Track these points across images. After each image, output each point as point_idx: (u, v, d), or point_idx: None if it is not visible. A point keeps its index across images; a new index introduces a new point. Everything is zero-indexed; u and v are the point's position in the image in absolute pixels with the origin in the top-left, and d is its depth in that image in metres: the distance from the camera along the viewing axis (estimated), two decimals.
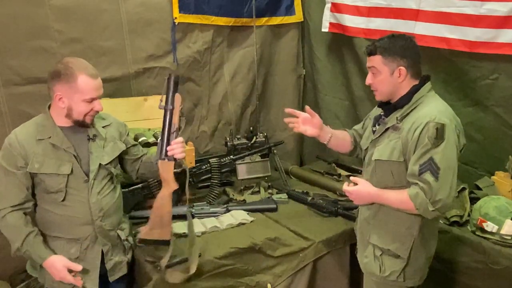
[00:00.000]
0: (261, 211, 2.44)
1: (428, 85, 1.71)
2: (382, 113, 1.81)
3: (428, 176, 1.56)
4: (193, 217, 2.25)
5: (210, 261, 1.94)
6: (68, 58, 1.74)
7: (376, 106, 1.91)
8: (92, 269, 1.81)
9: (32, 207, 1.76)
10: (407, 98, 1.70)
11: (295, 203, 2.58)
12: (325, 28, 3.04)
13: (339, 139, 2.03)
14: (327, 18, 3.01)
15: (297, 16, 3.26)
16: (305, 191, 2.66)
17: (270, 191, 2.73)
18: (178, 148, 1.79)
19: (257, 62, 3.15)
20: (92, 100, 1.71)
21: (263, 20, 3.13)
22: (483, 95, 2.30)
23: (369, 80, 1.76)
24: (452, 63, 2.37)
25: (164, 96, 1.78)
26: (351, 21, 2.84)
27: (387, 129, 1.74)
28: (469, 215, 2.10)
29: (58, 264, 1.71)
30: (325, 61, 3.23)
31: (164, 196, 1.83)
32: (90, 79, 1.69)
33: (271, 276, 2.11)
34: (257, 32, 3.09)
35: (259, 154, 2.79)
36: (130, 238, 1.99)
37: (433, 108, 1.64)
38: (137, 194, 2.39)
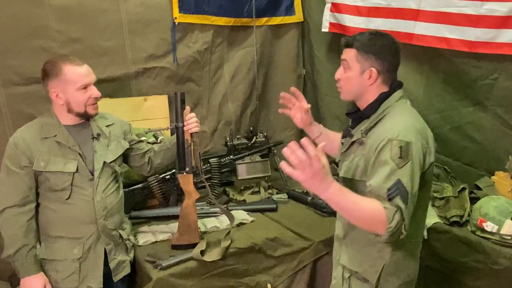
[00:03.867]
0: (261, 211, 2.44)
1: (398, 93, 1.52)
2: (350, 124, 1.63)
3: (399, 202, 1.32)
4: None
5: (210, 261, 1.94)
6: (52, 56, 1.78)
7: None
8: (96, 268, 1.81)
9: (34, 209, 1.76)
10: (374, 107, 1.51)
11: (295, 203, 2.59)
12: (325, 28, 3.04)
13: (328, 138, 1.85)
14: (327, 18, 3.01)
15: (297, 16, 3.26)
16: (305, 191, 2.65)
17: (270, 191, 2.73)
18: (193, 123, 1.94)
19: (257, 62, 3.15)
20: (86, 87, 1.74)
21: (263, 20, 3.13)
22: (483, 95, 2.30)
23: (337, 74, 1.57)
24: (452, 63, 2.37)
25: (173, 115, 1.85)
26: (351, 21, 2.84)
27: (353, 143, 1.55)
28: (469, 215, 2.10)
29: (37, 285, 1.73)
30: (325, 61, 3.22)
31: (188, 206, 1.98)
32: (76, 67, 1.72)
33: (271, 276, 2.11)
34: (257, 32, 3.09)
35: (259, 154, 2.79)
36: (132, 238, 2.01)
37: (398, 122, 1.43)
38: (137, 194, 2.40)
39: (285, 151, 1.24)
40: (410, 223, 1.38)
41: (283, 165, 1.26)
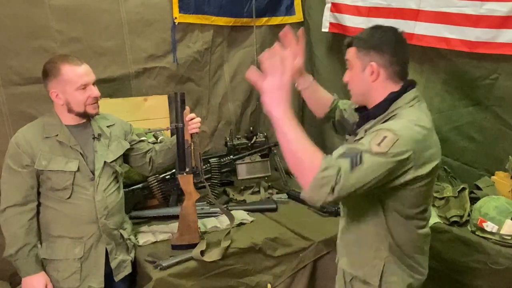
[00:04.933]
0: (261, 211, 2.44)
1: (410, 93, 1.39)
2: (356, 122, 1.55)
3: (345, 162, 1.17)
4: None
5: (210, 261, 1.94)
6: (53, 56, 1.79)
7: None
8: (97, 268, 1.81)
9: (36, 208, 1.76)
10: (382, 107, 1.39)
11: (295, 203, 2.59)
12: (325, 28, 3.04)
13: (317, 93, 1.71)
14: (327, 18, 3.01)
15: (297, 16, 3.26)
16: None
17: (270, 191, 2.73)
18: (196, 123, 1.96)
19: (257, 62, 3.15)
20: (84, 86, 1.74)
21: (263, 20, 3.14)
22: (483, 95, 2.30)
23: (345, 77, 1.51)
24: (452, 63, 2.37)
25: (173, 116, 1.85)
26: (351, 21, 2.84)
27: (356, 141, 1.42)
28: (469, 215, 2.10)
29: (39, 284, 1.73)
30: (325, 61, 3.22)
31: (188, 206, 1.98)
32: (74, 67, 1.73)
33: (271, 276, 2.10)
34: (257, 32, 3.09)
35: (259, 154, 2.79)
36: (133, 237, 2.01)
37: (398, 122, 1.31)
38: (137, 194, 2.40)
39: (265, 53, 1.17)
40: (404, 221, 1.36)
41: (250, 70, 1.18)
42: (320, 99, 1.74)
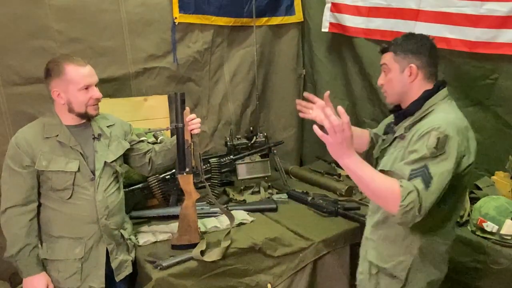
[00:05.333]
0: (261, 211, 2.44)
1: (443, 91, 1.57)
2: (392, 121, 1.69)
3: (418, 183, 1.35)
4: None
5: (210, 261, 1.94)
6: (55, 56, 1.79)
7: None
8: (98, 268, 1.81)
9: (36, 209, 1.76)
10: (418, 104, 1.56)
11: (295, 203, 2.59)
12: (325, 28, 3.04)
13: (356, 133, 1.82)
14: (327, 18, 3.01)
15: (297, 16, 3.26)
16: (305, 191, 2.66)
17: (270, 191, 2.73)
18: (196, 123, 1.95)
19: (257, 62, 3.15)
20: (87, 87, 1.75)
21: (263, 20, 3.13)
22: (483, 95, 2.30)
23: (380, 80, 1.66)
24: (452, 63, 2.37)
25: (173, 116, 1.85)
26: (351, 21, 2.85)
27: (395, 139, 1.62)
28: (469, 215, 2.10)
29: (40, 285, 1.73)
30: (325, 61, 3.23)
31: (188, 206, 1.98)
32: (78, 67, 1.73)
33: (271, 276, 2.10)
34: (257, 32, 3.09)
35: (259, 154, 2.79)
36: (133, 237, 2.01)
37: (441, 117, 1.48)
38: (137, 194, 2.40)
39: (319, 115, 1.36)
40: (441, 223, 1.48)
41: (315, 128, 1.35)
42: (360, 137, 1.90)
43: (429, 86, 1.58)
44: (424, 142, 1.41)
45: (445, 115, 1.49)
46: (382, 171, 1.54)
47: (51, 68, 1.72)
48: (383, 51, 1.64)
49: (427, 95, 1.56)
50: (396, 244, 1.58)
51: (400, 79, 1.59)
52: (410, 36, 1.62)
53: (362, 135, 1.90)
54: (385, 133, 1.72)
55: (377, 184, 1.37)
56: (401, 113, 1.63)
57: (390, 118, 1.76)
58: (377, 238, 1.65)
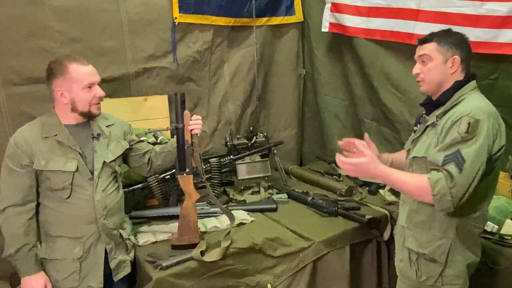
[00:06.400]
0: (261, 211, 2.44)
1: (472, 83, 1.65)
2: (424, 112, 1.76)
3: (451, 167, 1.45)
4: None
5: (210, 261, 1.94)
6: (56, 56, 1.80)
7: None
8: (97, 267, 1.81)
9: (35, 208, 1.76)
10: (449, 94, 1.64)
11: (295, 203, 2.59)
12: (325, 28, 3.04)
13: (399, 159, 1.94)
14: (327, 18, 3.01)
15: (297, 16, 3.26)
16: (305, 191, 2.66)
17: (270, 191, 2.74)
18: (198, 124, 1.96)
19: (257, 62, 3.15)
20: (90, 86, 1.75)
21: (263, 20, 3.14)
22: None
23: (416, 69, 1.70)
24: None
25: (173, 116, 1.84)
26: (351, 21, 2.85)
27: (427, 127, 1.68)
28: None
29: (38, 284, 1.73)
30: (325, 61, 3.23)
31: (188, 207, 1.99)
32: (81, 66, 1.74)
33: (271, 276, 2.10)
34: (257, 32, 3.09)
35: (259, 154, 2.79)
36: (132, 237, 2.01)
37: (472, 104, 1.56)
38: (137, 194, 2.40)
39: (338, 163, 1.60)
40: (473, 208, 1.56)
41: (339, 164, 1.60)
42: (402, 158, 1.93)
43: (462, 77, 1.66)
44: (456, 128, 1.50)
45: (476, 102, 1.58)
46: (415, 157, 1.66)
47: (54, 68, 1.72)
48: (424, 41, 1.69)
49: (457, 86, 1.63)
50: (434, 229, 1.65)
51: (441, 69, 1.64)
52: (450, 30, 1.69)
53: (403, 156, 1.92)
54: (416, 124, 1.79)
55: (408, 185, 1.55)
56: (433, 103, 1.70)
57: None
58: (413, 225, 1.72)
